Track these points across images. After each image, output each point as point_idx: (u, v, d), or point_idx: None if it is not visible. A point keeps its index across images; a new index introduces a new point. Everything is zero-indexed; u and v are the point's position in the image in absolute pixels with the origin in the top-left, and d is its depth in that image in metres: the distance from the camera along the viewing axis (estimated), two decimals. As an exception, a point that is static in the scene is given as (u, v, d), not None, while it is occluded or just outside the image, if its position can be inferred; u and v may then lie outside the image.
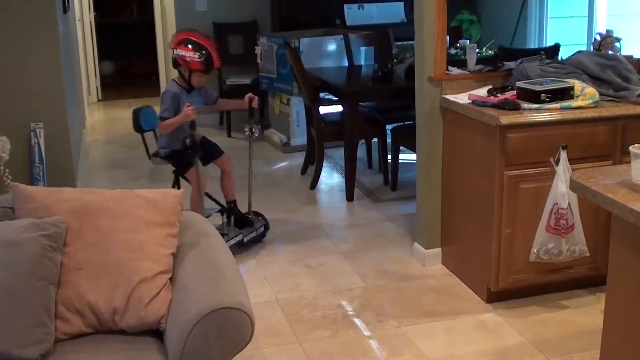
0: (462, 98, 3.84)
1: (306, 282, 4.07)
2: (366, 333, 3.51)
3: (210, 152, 4.56)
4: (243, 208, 4.66)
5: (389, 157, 5.70)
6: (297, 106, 6.73)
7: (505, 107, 3.55)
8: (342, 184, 5.72)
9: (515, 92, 3.69)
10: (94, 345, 2.38)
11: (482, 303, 3.75)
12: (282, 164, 6.60)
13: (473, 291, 3.86)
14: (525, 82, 3.67)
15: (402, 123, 5.68)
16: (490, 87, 3.86)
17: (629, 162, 2.33)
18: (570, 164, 3.39)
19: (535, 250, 3.53)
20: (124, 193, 2.66)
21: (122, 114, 9.03)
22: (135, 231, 2.52)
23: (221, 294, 2.33)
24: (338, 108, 5.96)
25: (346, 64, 6.49)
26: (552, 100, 3.54)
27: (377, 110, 6.04)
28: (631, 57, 3.92)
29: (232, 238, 4.38)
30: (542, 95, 3.54)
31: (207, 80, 4.42)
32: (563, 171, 3.40)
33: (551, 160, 3.43)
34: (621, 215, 2.16)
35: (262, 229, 4.65)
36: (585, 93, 3.59)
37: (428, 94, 3.98)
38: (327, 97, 6.04)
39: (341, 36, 6.63)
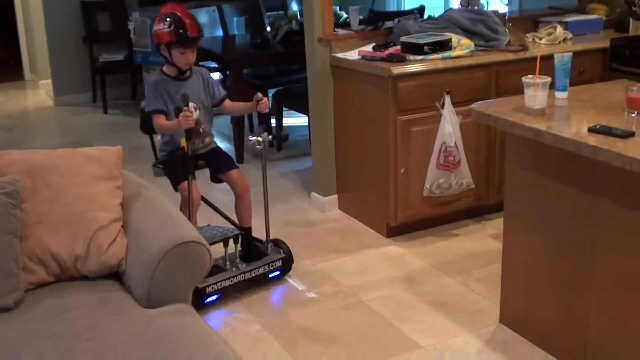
0: (352, 55, 4.19)
1: (217, 236, 4.31)
2: (285, 274, 3.82)
3: (218, 165, 3.77)
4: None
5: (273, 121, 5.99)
6: (174, 78, 6.87)
7: (393, 59, 3.92)
8: (230, 148, 5.96)
9: (398, 47, 4.08)
10: (61, 291, 2.56)
11: (382, 238, 4.15)
12: (164, 135, 6.73)
13: (372, 229, 4.25)
14: (408, 37, 4.06)
15: (281, 87, 5.99)
16: (374, 44, 4.23)
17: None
18: (454, 107, 3.82)
19: (428, 186, 3.95)
20: (68, 152, 2.84)
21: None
22: (85, 185, 2.71)
23: (178, 232, 2.58)
24: (217, 75, 6.17)
25: (220, 34, 6.70)
26: (433, 51, 3.96)
27: (255, 76, 6.31)
28: (497, 11, 4.39)
29: (230, 277, 3.52)
30: (425, 47, 3.94)
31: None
32: (448, 113, 3.83)
33: (437, 104, 3.84)
34: (521, 134, 2.58)
35: (278, 263, 3.71)
36: (462, 44, 4.02)
37: (319, 54, 4.31)
38: (206, 65, 6.23)
39: (213, 8, 6.83)
